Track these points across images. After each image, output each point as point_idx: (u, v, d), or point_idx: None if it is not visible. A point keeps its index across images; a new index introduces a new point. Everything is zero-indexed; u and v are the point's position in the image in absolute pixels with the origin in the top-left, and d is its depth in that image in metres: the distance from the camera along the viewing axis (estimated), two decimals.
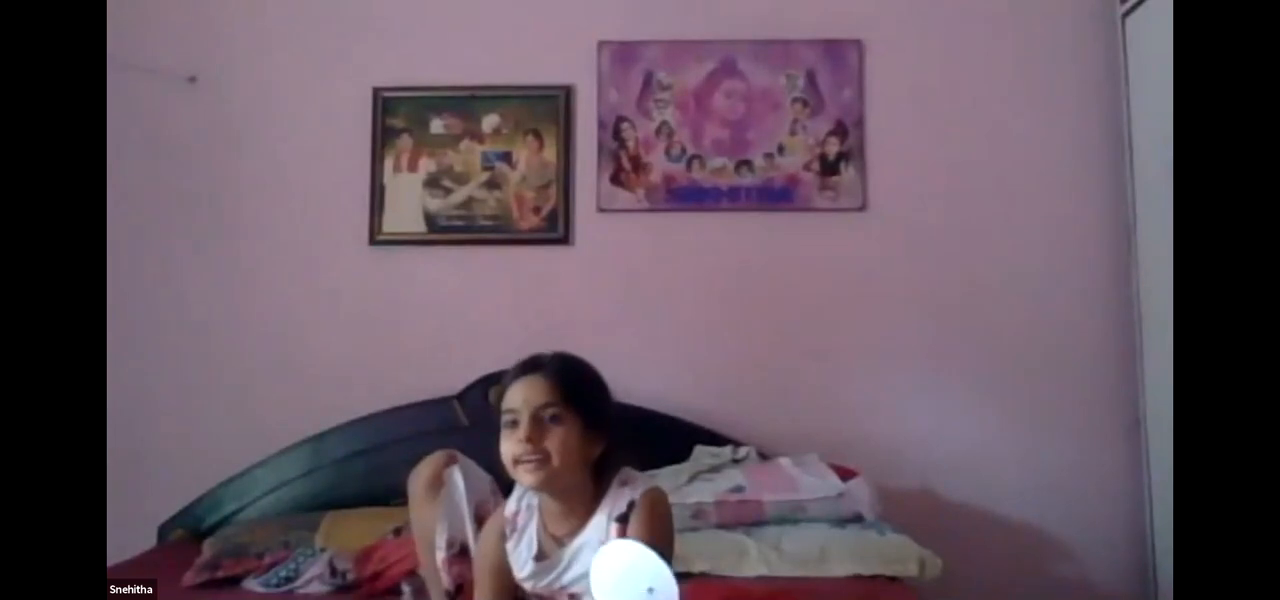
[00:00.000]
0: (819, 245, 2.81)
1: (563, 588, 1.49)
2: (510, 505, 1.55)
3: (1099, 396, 2.73)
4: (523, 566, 1.51)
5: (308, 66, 2.89)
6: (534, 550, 1.50)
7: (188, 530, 2.60)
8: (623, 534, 1.41)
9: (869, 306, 2.79)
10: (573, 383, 1.44)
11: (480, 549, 1.57)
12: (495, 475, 1.63)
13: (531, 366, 1.46)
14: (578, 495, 1.47)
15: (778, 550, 2.14)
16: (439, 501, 1.63)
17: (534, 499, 1.51)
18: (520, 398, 1.42)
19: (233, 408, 2.77)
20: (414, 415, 2.65)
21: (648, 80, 2.85)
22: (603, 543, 1.40)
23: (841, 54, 2.85)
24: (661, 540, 1.40)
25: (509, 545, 1.52)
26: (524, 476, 1.42)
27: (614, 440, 1.47)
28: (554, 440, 1.40)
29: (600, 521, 1.44)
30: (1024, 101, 2.83)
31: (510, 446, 1.42)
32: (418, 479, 1.67)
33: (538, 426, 1.40)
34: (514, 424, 1.42)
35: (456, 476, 1.64)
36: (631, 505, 1.42)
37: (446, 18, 2.89)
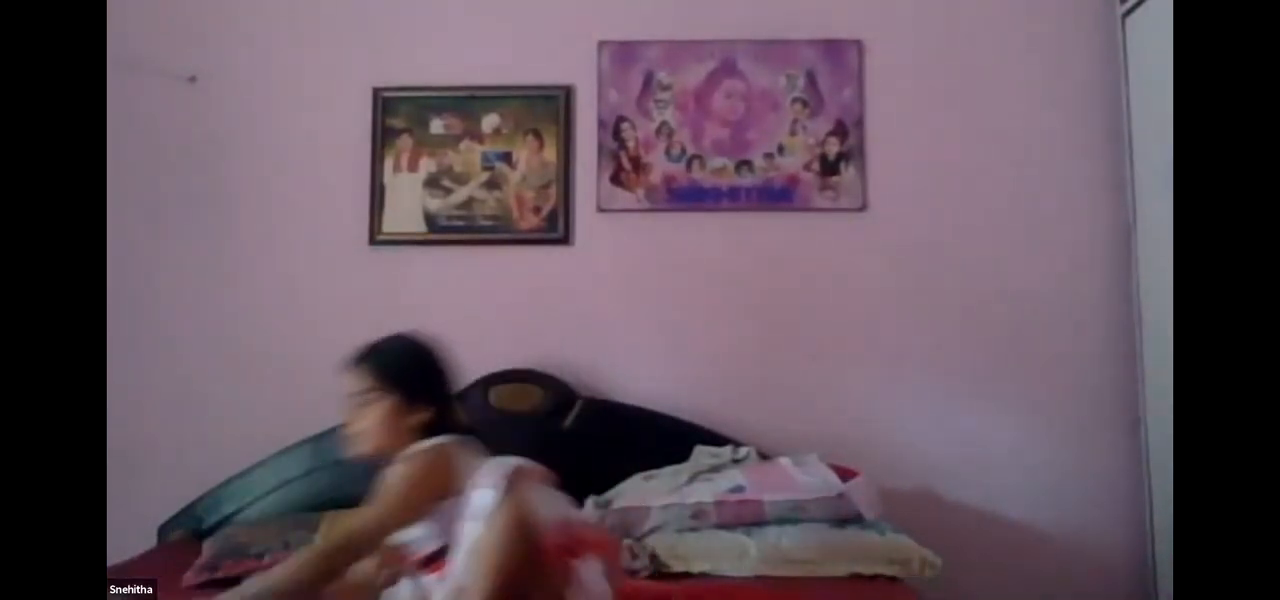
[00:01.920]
0: (819, 245, 2.81)
1: None
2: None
3: (1099, 396, 2.73)
4: None
5: (308, 66, 2.89)
6: None
7: (188, 530, 2.60)
8: None
9: (869, 306, 2.79)
10: (383, 366, 1.68)
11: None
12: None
13: (351, 361, 1.70)
14: None
15: (778, 550, 2.14)
16: None
17: None
18: (345, 388, 1.68)
19: (233, 408, 2.77)
20: None
21: (648, 80, 2.85)
22: None
23: (841, 54, 2.85)
24: (402, 487, 1.55)
25: None
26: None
27: (444, 407, 1.71)
28: (366, 420, 1.66)
29: None
30: (1024, 102, 2.83)
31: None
32: None
33: (356, 411, 1.67)
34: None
35: None
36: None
37: (446, 18, 2.89)
